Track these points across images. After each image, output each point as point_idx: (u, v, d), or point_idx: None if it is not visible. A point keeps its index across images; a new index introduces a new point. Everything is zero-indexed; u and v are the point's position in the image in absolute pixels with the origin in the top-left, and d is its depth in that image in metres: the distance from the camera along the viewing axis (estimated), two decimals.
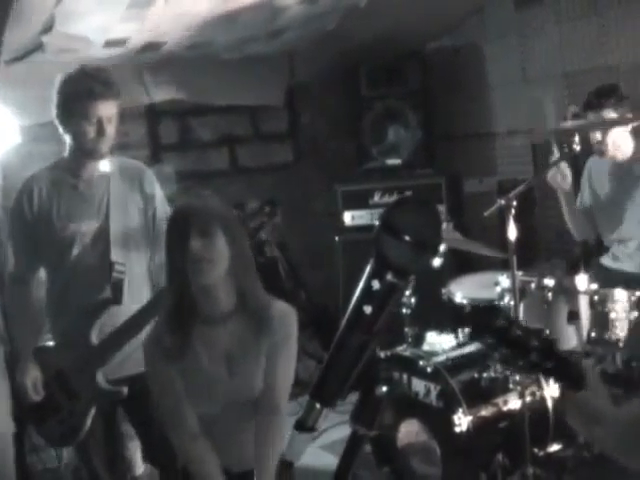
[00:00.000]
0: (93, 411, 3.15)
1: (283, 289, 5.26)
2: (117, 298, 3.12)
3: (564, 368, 1.76)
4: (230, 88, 5.43)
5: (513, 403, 3.51)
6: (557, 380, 1.85)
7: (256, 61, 5.36)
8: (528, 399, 3.51)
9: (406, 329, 3.86)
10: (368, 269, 1.11)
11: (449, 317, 4.06)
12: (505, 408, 3.54)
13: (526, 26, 5.55)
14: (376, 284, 1.11)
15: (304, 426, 1.18)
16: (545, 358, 1.74)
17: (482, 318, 1.86)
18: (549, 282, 3.41)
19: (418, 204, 1.13)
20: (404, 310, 3.88)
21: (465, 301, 3.83)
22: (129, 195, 3.29)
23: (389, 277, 1.12)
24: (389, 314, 1.12)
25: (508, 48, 5.64)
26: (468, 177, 5.72)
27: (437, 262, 3.62)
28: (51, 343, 3.30)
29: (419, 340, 3.84)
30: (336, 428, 4.54)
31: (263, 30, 4.95)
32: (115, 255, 3.18)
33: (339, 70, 5.83)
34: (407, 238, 1.08)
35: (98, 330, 3.12)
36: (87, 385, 3.11)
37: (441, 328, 3.95)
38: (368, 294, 1.12)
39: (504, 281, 3.46)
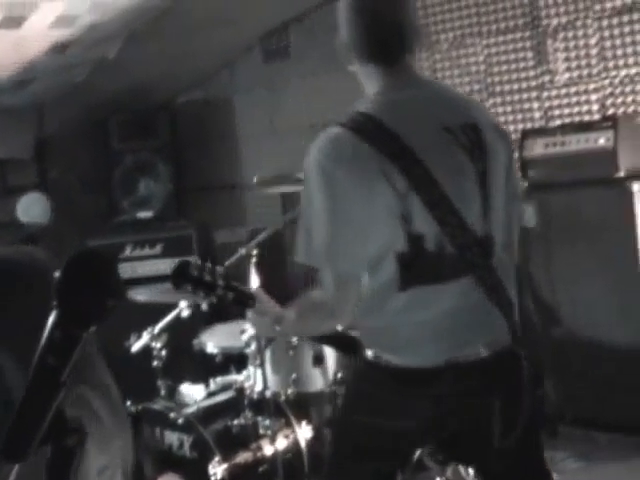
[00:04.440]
0: None
1: None
2: None
3: (242, 295, 2.33)
4: None
5: (267, 448, 3.55)
6: (239, 304, 2.35)
7: (2, 112, 5.20)
8: (283, 442, 3.58)
9: (158, 382, 3.83)
10: (51, 319, 1.11)
11: (201, 368, 4.07)
12: (259, 453, 3.57)
13: (274, 79, 5.76)
14: (58, 334, 1.11)
15: None
16: (228, 290, 2.29)
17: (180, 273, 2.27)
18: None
19: (96, 255, 1.15)
20: (156, 363, 3.85)
21: (216, 350, 3.85)
22: None
23: (71, 327, 1.12)
24: (74, 365, 1.12)
25: (257, 100, 5.82)
26: (220, 228, 5.79)
27: (185, 313, 3.63)
28: None
29: (171, 392, 3.82)
30: None
31: (10, 80, 4.81)
32: None
33: (89, 122, 5.76)
34: (86, 289, 1.10)
35: None
36: None
37: (193, 379, 3.96)
38: (52, 345, 1.12)
39: (250, 329, 3.52)
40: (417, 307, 2.13)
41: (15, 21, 3.99)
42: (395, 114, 2.12)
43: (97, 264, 1.10)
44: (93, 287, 1.08)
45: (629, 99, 4.44)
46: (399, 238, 2.06)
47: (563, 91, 4.65)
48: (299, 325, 2.39)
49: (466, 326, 2.16)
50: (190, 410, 3.60)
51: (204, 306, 3.40)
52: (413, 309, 2.14)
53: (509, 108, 4.84)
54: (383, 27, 2.19)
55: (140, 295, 3.71)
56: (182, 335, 3.93)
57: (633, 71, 4.41)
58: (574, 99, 4.61)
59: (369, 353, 2.24)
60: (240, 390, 3.64)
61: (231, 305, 2.38)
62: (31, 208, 5.17)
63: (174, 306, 3.88)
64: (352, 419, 2.36)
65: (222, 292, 2.31)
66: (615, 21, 4.42)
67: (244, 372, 3.70)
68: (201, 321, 4.45)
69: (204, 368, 4.05)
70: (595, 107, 4.55)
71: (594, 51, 4.51)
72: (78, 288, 1.08)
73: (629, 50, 4.41)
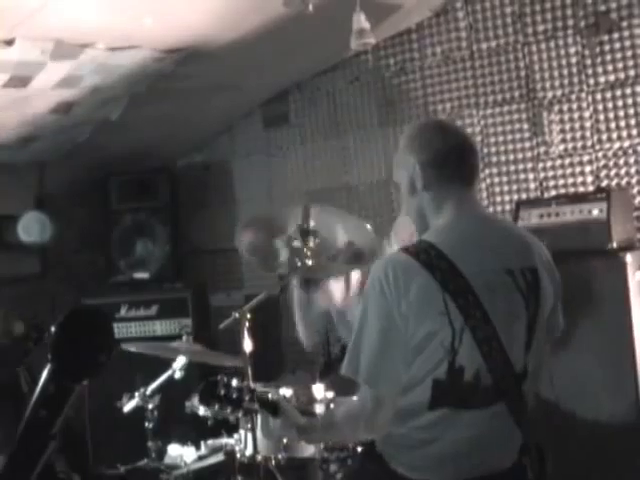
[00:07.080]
0: None
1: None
2: None
3: (268, 406, 2.66)
4: None
5: None
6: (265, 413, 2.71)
7: (3, 168, 5.24)
8: None
9: (149, 443, 3.81)
10: (45, 373, 1.13)
11: (193, 430, 4.05)
12: None
13: (273, 145, 5.83)
14: (52, 388, 1.13)
15: None
16: (253, 403, 2.64)
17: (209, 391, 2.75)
18: (286, 392, 3.48)
19: (91, 313, 1.17)
20: (147, 424, 3.83)
21: (209, 414, 3.83)
22: None
23: (65, 380, 1.14)
24: (66, 417, 1.13)
25: (256, 166, 5.87)
26: (215, 291, 5.82)
27: (178, 374, 3.63)
28: None
29: (161, 454, 3.80)
30: None
31: (13, 138, 4.87)
32: None
33: (89, 182, 5.80)
34: (80, 344, 1.11)
35: None
36: None
37: (184, 441, 3.94)
38: (44, 398, 1.14)
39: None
40: (442, 426, 2.24)
41: (22, 80, 4.05)
42: (462, 249, 2.24)
43: (92, 321, 1.12)
44: (87, 343, 1.10)
45: (622, 171, 4.50)
46: (441, 367, 2.19)
47: (558, 162, 4.71)
48: (329, 435, 2.56)
49: (486, 449, 2.28)
50: (180, 472, 3.58)
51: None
52: (438, 428, 2.24)
53: (505, 178, 4.90)
54: (465, 148, 2.39)
55: (134, 348, 3.74)
56: (174, 397, 3.92)
57: (626, 144, 4.48)
58: (569, 170, 4.68)
59: (389, 465, 2.34)
60: (230, 453, 3.61)
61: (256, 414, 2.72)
62: (32, 227, 5.22)
63: (167, 367, 3.88)
64: None
65: (248, 405, 2.62)
66: (608, 95, 4.51)
67: (235, 436, 3.68)
68: (194, 383, 4.43)
69: (196, 430, 4.02)
70: (589, 178, 4.61)
71: (588, 124, 4.59)
72: (72, 343, 1.10)
73: (622, 123, 4.49)
